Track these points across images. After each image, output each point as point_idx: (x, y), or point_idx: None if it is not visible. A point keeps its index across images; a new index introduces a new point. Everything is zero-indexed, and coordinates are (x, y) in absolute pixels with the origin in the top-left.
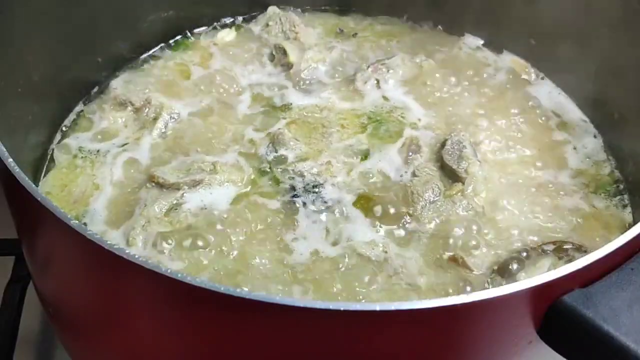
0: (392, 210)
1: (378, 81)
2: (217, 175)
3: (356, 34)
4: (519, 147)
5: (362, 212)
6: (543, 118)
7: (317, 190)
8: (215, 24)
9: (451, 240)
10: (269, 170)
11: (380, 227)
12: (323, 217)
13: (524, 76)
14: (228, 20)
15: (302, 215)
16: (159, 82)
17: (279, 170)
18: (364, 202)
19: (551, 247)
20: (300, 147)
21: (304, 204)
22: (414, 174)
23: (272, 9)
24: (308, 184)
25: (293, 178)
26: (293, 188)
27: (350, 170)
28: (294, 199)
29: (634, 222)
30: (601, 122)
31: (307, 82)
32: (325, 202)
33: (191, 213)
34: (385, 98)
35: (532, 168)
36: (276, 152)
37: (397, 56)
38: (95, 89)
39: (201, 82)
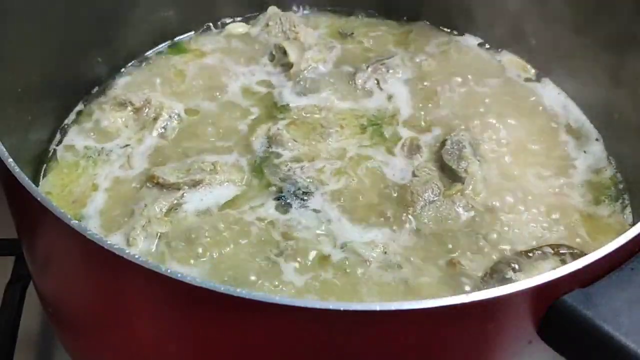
0: (391, 210)
1: (378, 81)
2: (217, 175)
3: (352, 33)
4: (518, 148)
5: (347, 221)
6: (543, 118)
7: (305, 198)
8: (215, 24)
9: (450, 240)
10: (263, 170)
11: (380, 227)
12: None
13: (524, 76)
14: (228, 20)
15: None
16: (159, 82)
17: (272, 170)
18: (349, 216)
19: (550, 250)
20: (298, 147)
21: (290, 205)
22: (413, 174)
23: (272, 9)
24: (299, 189)
25: (284, 180)
26: (280, 190)
27: (347, 172)
28: (279, 200)
29: (634, 222)
30: (601, 121)
31: (307, 82)
32: (310, 209)
33: (191, 213)
34: (384, 98)
35: (532, 169)
36: (274, 152)
37: (396, 56)
38: (95, 89)
39: (201, 82)
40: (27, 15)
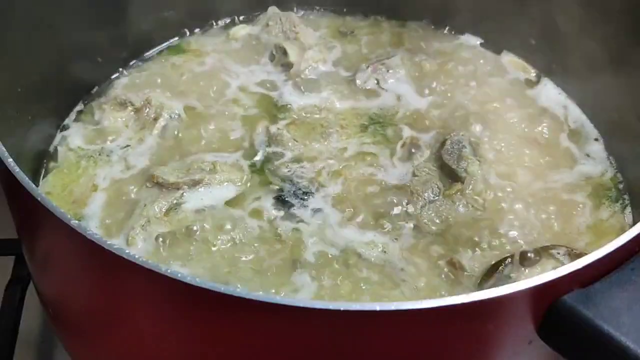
0: (391, 210)
1: (378, 81)
2: (217, 175)
3: (352, 32)
4: (518, 148)
5: (347, 221)
6: (543, 118)
7: (305, 197)
8: (215, 24)
9: (450, 240)
10: (263, 170)
11: (380, 227)
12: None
13: (524, 76)
14: (228, 20)
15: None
16: (159, 82)
17: (272, 170)
18: (350, 215)
19: (550, 250)
20: (298, 147)
21: (289, 205)
22: (413, 174)
23: (272, 9)
24: (299, 189)
25: (284, 180)
26: (280, 190)
27: (347, 172)
28: (279, 200)
29: (634, 223)
30: (601, 121)
31: (307, 82)
32: (310, 209)
33: (191, 213)
34: (384, 98)
35: (532, 169)
36: (274, 152)
37: (396, 56)
38: (95, 89)
39: (201, 82)
40: (27, 16)
